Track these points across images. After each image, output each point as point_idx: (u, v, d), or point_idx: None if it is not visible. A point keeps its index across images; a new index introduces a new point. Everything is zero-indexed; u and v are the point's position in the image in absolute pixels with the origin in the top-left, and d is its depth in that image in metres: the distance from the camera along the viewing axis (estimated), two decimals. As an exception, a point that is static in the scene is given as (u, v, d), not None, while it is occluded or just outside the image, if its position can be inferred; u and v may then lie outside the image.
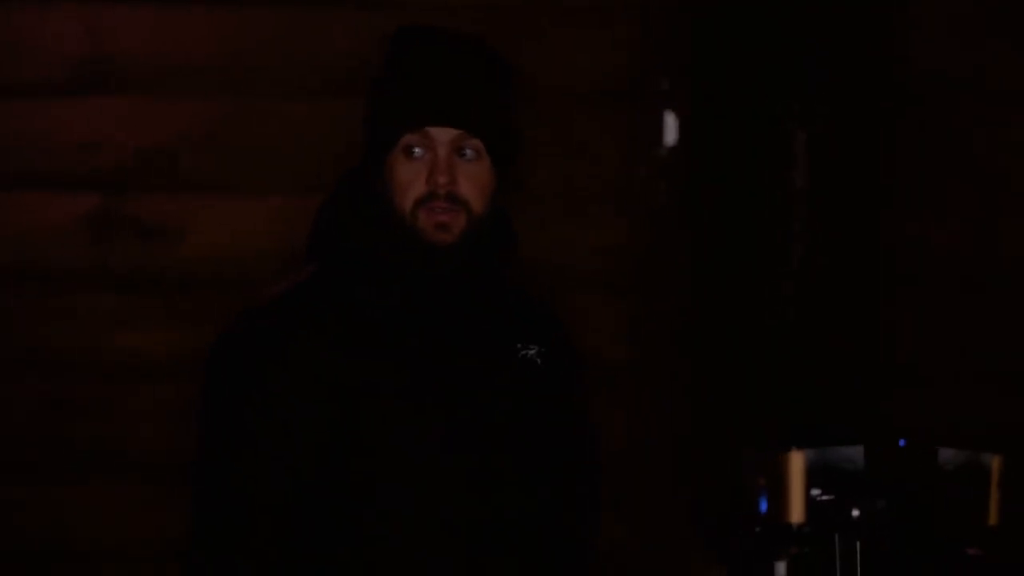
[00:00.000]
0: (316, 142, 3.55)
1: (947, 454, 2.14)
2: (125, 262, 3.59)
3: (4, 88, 3.59)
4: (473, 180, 2.35)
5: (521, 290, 2.53)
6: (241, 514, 2.27)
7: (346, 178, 2.46)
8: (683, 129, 3.64)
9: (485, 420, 2.36)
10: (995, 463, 2.13)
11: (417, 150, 2.34)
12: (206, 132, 3.60)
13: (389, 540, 2.29)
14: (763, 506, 2.11)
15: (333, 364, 2.31)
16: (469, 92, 2.36)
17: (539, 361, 2.43)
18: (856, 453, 2.18)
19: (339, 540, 2.29)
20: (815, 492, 2.13)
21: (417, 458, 2.31)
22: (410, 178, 2.33)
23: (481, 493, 2.33)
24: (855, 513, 2.13)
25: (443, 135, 2.34)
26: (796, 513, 2.15)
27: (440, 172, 2.32)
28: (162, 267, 3.60)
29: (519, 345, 2.43)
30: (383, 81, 2.40)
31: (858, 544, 2.14)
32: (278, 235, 3.44)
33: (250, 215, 3.58)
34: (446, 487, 2.31)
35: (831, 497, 2.13)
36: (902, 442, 2.20)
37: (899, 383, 3.61)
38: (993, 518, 2.14)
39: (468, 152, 2.35)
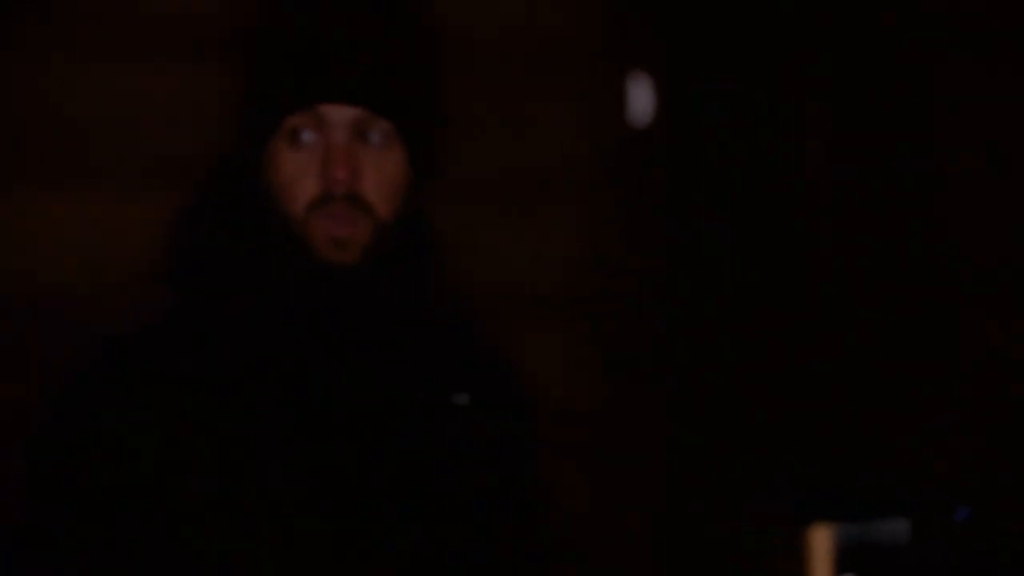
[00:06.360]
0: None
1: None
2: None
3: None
4: (381, 175, 2.00)
5: (451, 320, 2.19)
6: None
7: (211, 176, 2.12)
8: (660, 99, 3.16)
9: (387, 505, 1.98)
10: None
11: (307, 135, 1.98)
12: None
13: None
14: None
15: (153, 435, 1.93)
16: (373, 57, 2.00)
17: (471, 412, 2.09)
18: (898, 527, 1.91)
19: None
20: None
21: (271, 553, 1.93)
22: (297, 174, 1.99)
23: None
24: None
25: (340, 115, 1.98)
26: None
27: (337, 164, 1.96)
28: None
29: (443, 394, 2.09)
30: (257, 45, 2.06)
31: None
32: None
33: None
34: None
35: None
36: (962, 512, 1.84)
37: (956, 428, 2.89)
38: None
39: (374, 137, 1.99)
